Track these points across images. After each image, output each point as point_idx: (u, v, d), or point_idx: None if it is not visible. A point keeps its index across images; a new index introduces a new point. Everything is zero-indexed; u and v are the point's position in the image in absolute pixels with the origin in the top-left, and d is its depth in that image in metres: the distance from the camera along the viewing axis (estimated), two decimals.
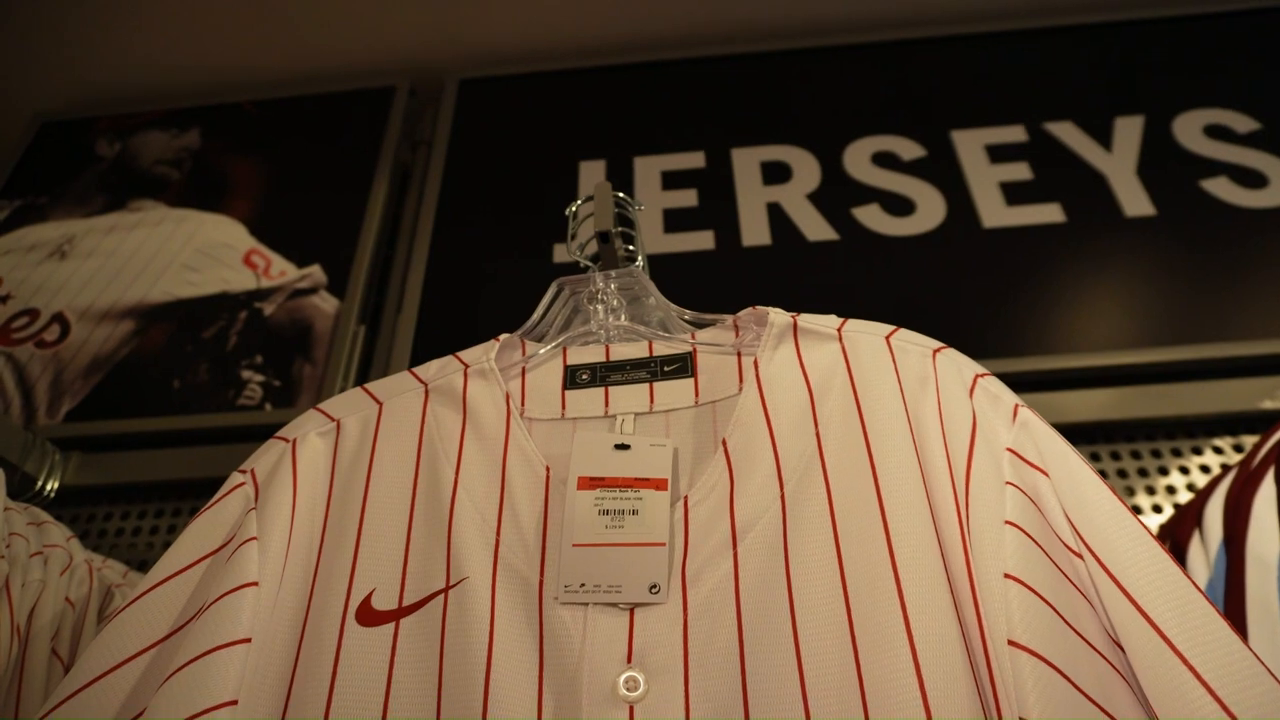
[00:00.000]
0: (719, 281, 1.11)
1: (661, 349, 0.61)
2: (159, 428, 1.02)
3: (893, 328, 0.57)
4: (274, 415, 1.01)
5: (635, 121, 1.34)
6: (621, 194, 0.71)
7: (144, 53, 1.46)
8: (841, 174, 1.23)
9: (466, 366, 0.59)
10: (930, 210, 1.17)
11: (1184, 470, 0.94)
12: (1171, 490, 0.93)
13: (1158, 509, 0.91)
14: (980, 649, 0.43)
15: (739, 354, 0.59)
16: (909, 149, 1.25)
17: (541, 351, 0.61)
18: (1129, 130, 1.22)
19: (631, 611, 0.47)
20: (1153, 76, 1.29)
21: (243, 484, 0.53)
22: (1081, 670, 0.41)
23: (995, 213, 1.15)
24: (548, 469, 0.53)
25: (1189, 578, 0.43)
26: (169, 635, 0.47)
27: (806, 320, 0.58)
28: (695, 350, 0.60)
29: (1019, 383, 0.63)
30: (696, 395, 0.58)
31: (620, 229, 0.73)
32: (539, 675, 0.45)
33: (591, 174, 1.26)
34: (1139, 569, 0.43)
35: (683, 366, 0.59)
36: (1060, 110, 1.25)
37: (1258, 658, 0.40)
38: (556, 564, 0.49)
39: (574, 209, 0.71)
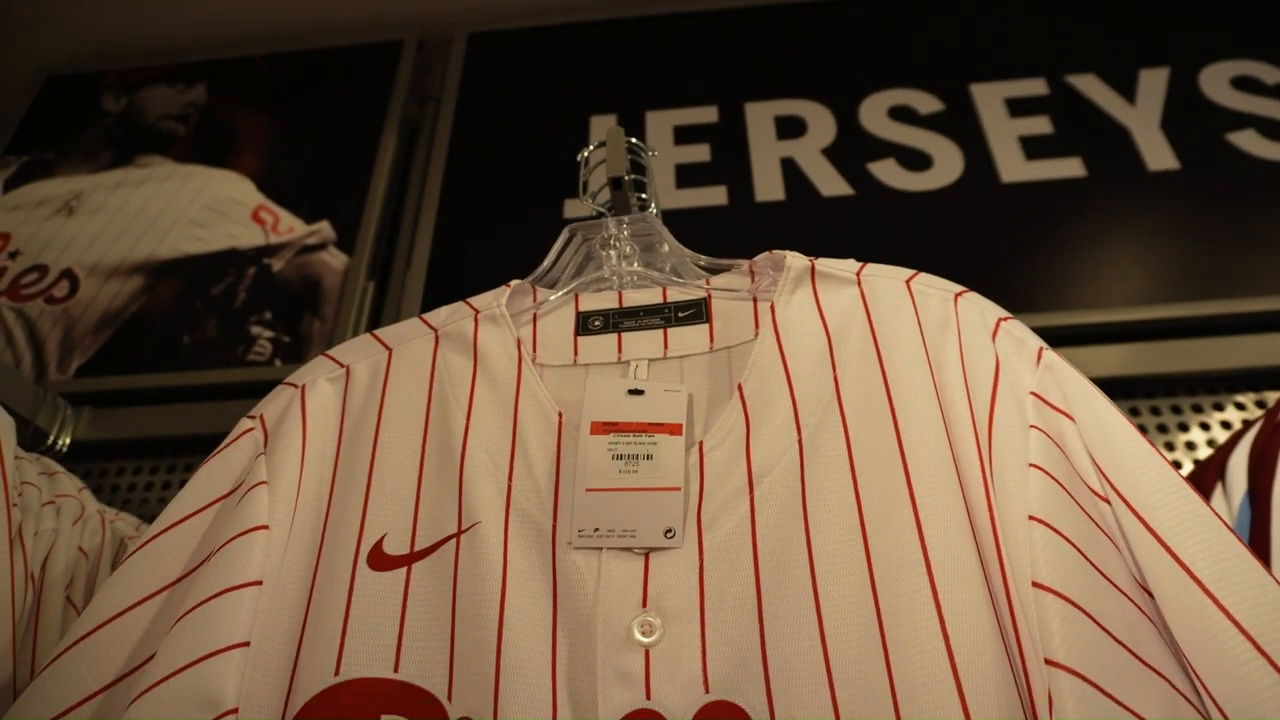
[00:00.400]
0: (732, 237, 1.09)
1: (676, 295, 0.60)
2: (169, 383, 1.02)
3: (913, 272, 0.56)
4: (283, 371, 1.00)
5: (647, 75, 1.31)
6: (634, 139, 0.69)
7: (150, 5, 1.43)
8: (857, 128, 1.20)
9: (477, 312, 0.58)
10: (947, 165, 1.14)
11: (1204, 426, 0.93)
12: (1191, 446, 0.91)
13: (1178, 465, 0.90)
14: (1002, 591, 0.42)
15: (755, 299, 0.58)
16: (926, 103, 1.22)
17: (553, 297, 0.60)
18: (1154, 82, 1.18)
19: (646, 556, 0.46)
20: (1179, 27, 1.25)
21: (251, 429, 0.53)
22: (1108, 613, 0.40)
23: (1014, 167, 1.13)
24: (560, 414, 0.52)
25: (1220, 518, 0.42)
26: (180, 579, 0.47)
27: (824, 264, 0.57)
28: (710, 295, 0.59)
29: None
30: (711, 341, 0.57)
31: (633, 176, 0.71)
32: (553, 620, 0.45)
33: (602, 128, 1.24)
34: (1168, 510, 0.42)
35: (697, 312, 0.58)
36: (1083, 62, 1.22)
37: None
38: (570, 509, 0.48)
39: (585, 155, 0.69)
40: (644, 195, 0.72)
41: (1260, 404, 0.93)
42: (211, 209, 1.22)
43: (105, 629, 0.44)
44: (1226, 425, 0.93)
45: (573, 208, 1.14)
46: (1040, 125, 1.16)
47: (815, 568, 0.44)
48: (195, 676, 0.41)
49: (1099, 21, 1.28)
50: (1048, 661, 0.38)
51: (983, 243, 1.05)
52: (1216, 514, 0.42)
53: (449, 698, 0.43)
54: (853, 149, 1.17)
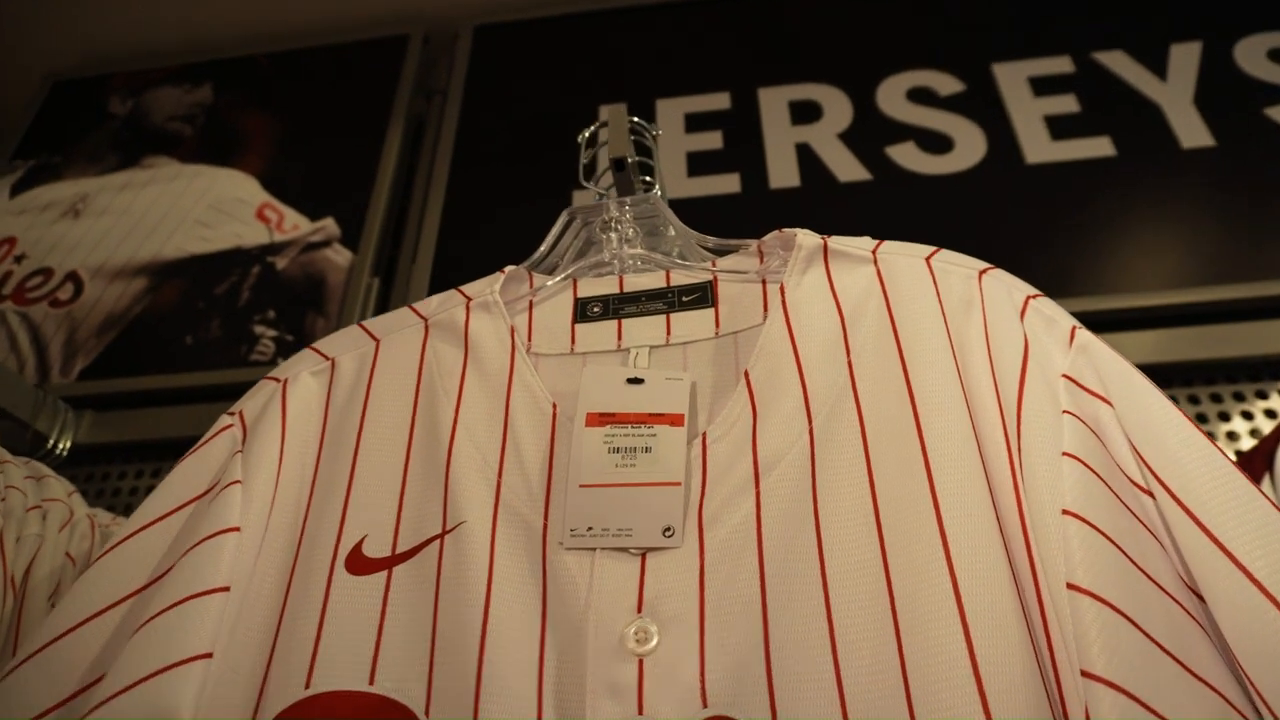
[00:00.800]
0: (745, 224, 1.04)
1: (680, 278, 0.56)
2: (171, 385, 1.00)
3: (934, 249, 0.52)
4: None
5: (657, 63, 1.28)
6: (638, 119, 0.66)
7: (156, 8, 1.42)
8: (875, 112, 1.16)
9: (469, 300, 0.54)
10: (969, 147, 1.10)
11: (1247, 415, 0.88)
12: (1233, 436, 0.86)
13: None
14: (1033, 594, 0.38)
15: (764, 281, 0.54)
16: (947, 84, 1.17)
17: (550, 284, 0.57)
18: (1186, 57, 1.13)
19: (643, 557, 0.43)
20: (1210, 0, 1.19)
21: (230, 426, 0.50)
22: (1153, 618, 0.36)
23: (1039, 148, 1.08)
24: (554, 406, 0.49)
25: None
26: (147, 585, 0.44)
27: (838, 242, 0.53)
28: (716, 278, 0.55)
29: None
30: (717, 326, 0.53)
31: (638, 159, 0.68)
32: (541, 626, 0.41)
33: None
34: (1220, 503, 0.38)
35: (702, 296, 0.55)
36: (1110, 39, 1.17)
37: None
38: (562, 507, 0.45)
39: (586, 135, 0.66)
40: (649, 178, 0.69)
41: None
42: (217, 208, 1.21)
43: (64, 640, 0.41)
44: (1271, 414, 0.87)
45: (581, 199, 1.11)
46: (1066, 104, 1.12)
47: (826, 569, 0.40)
48: (150, 691, 0.38)
49: None
50: (1084, 674, 0.34)
51: (1007, 226, 1.01)
52: (1276, 506, 0.38)
53: (426, 712, 0.39)
54: (870, 133, 1.13)
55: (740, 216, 1.06)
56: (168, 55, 1.45)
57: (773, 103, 1.20)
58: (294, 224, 1.16)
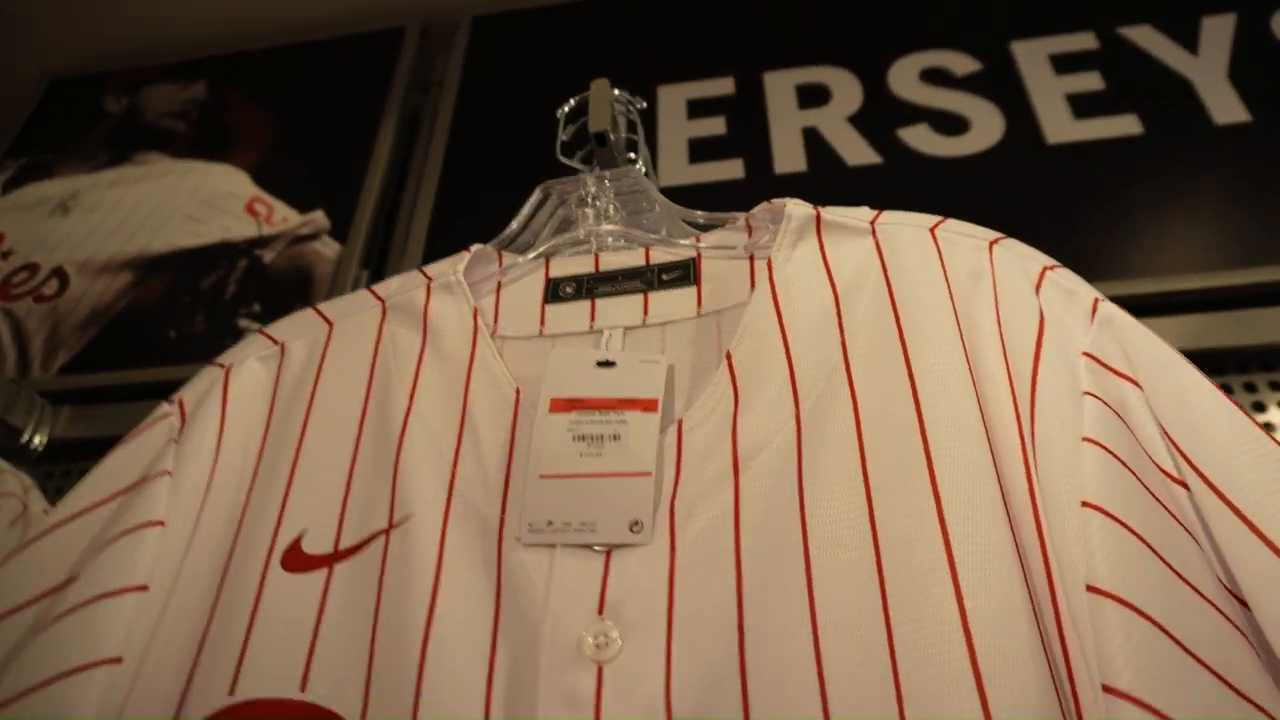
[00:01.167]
0: (748, 210, 1.00)
1: (660, 256, 0.51)
2: (152, 379, 0.96)
3: (939, 218, 0.47)
4: None
5: (658, 49, 1.24)
6: (620, 90, 0.61)
7: (155, 5, 1.40)
8: (886, 94, 1.11)
9: (430, 281, 0.50)
10: (986, 128, 1.04)
11: None
12: (1270, 428, 0.80)
13: None
14: (1047, 597, 0.33)
15: (751, 257, 0.49)
16: (962, 64, 1.12)
17: (521, 263, 0.52)
18: (1218, 30, 1.07)
19: (607, 554, 0.38)
20: None
21: (168, 414, 0.46)
22: (1189, 625, 0.31)
23: (1061, 127, 1.02)
24: (518, 391, 0.44)
25: None
26: (65, 584, 0.40)
27: (832, 213, 0.48)
28: (699, 255, 0.51)
29: None
30: (699, 305, 0.49)
31: (626, 135, 0.64)
32: (493, 629, 0.37)
33: None
34: (1267, 495, 0.32)
35: (684, 274, 0.50)
36: (1136, 13, 1.11)
37: None
38: (520, 499, 0.40)
39: (566, 110, 0.62)
40: (633, 154, 0.64)
41: None
42: (207, 203, 1.18)
43: None
44: None
45: None
46: (1090, 82, 1.06)
47: (812, 569, 0.35)
48: (43, 700, 0.34)
49: None
50: (1106, 689, 0.29)
51: (1027, 208, 0.95)
52: None
53: None
54: (881, 115, 1.08)
55: (743, 203, 1.01)
56: (165, 52, 1.42)
57: (779, 86, 1.15)
58: (283, 217, 1.13)
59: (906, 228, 0.47)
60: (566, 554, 0.38)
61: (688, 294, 0.49)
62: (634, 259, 0.52)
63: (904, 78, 1.12)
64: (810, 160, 1.05)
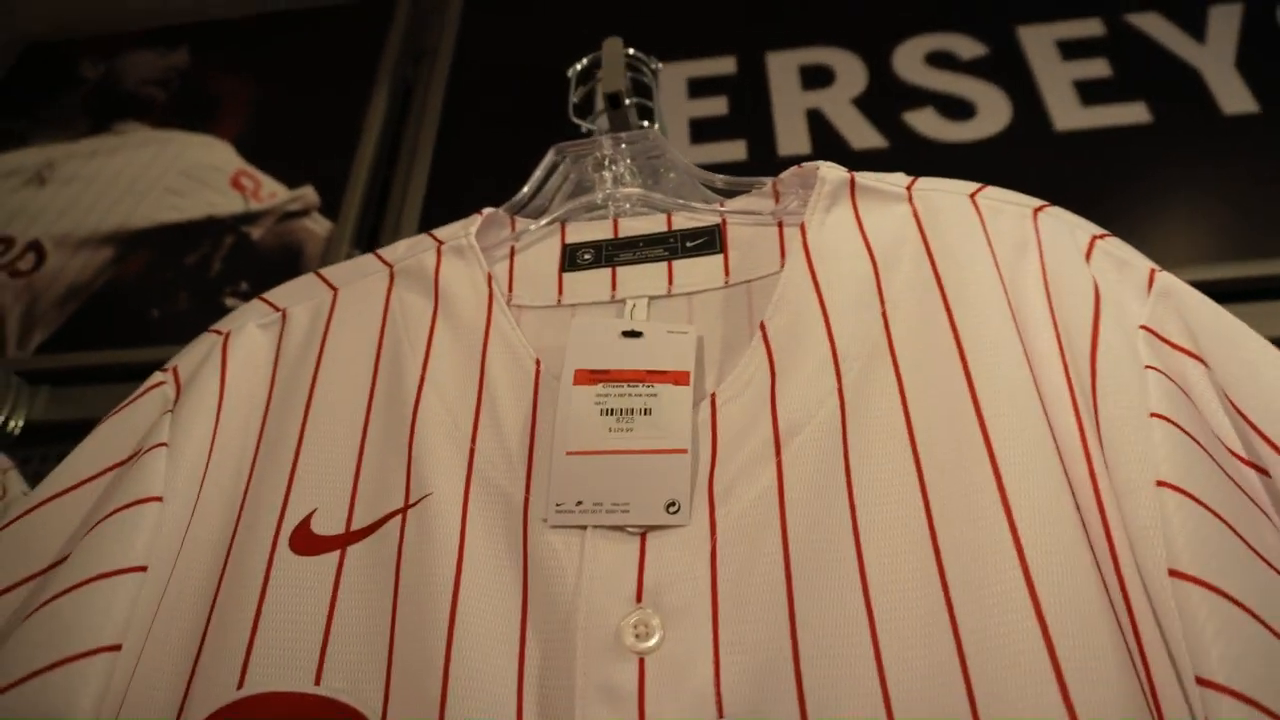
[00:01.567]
0: None
1: (683, 221, 0.49)
2: (134, 359, 0.92)
3: (978, 185, 0.45)
4: None
5: (659, 25, 1.21)
6: (634, 50, 0.59)
7: None
8: (891, 76, 1.09)
9: (440, 244, 0.47)
10: (993, 113, 1.03)
11: None
12: None
13: None
14: (1115, 582, 0.31)
15: (780, 223, 0.47)
16: (968, 47, 1.10)
17: (534, 228, 0.50)
18: (1226, 19, 1.06)
19: (643, 537, 0.35)
20: None
21: (162, 383, 0.43)
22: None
23: (1069, 114, 1.01)
24: (538, 363, 0.42)
25: None
26: (54, 564, 0.37)
27: (866, 178, 0.46)
28: (725, 221, 0.48)
29: None
30: (726, 274, 0.46)
31: (637, 100, 0.61)
32: (521, 617, 0.34)
33: None
34: None
35: (709, 240, 0.47)
36: (1144, 0, 1.10)
37: None
38: (545, 477, 0.37)
39: (578, 69, 0.59)
40: (646, 122, 0.61)
41: None
42: (189, 175, 1.13)
43: None
44: None
45: None
46: (1098, 68, 1.04)
47: (863, 551, 0.33)
48: (37, 690, 0.31)
49: None
50: (1202, 682, 0.27)
51: (1034, 193, 0.93)
52: None
53: (383, 717, 0.32)
54: (886, 98, 1.06)
55: None
56: (144, 17, 1.37)
57: (782, 67, 1.12)
58: (271, 192, 1.09)
59: (945, 194, 0.45)
60: (598, 536, 0.35)
61: (714, 261, 0.47)
62: (655, 225, 0.49)
63: (909, 60, 1.10)
64: (814, 143, 1.03)
